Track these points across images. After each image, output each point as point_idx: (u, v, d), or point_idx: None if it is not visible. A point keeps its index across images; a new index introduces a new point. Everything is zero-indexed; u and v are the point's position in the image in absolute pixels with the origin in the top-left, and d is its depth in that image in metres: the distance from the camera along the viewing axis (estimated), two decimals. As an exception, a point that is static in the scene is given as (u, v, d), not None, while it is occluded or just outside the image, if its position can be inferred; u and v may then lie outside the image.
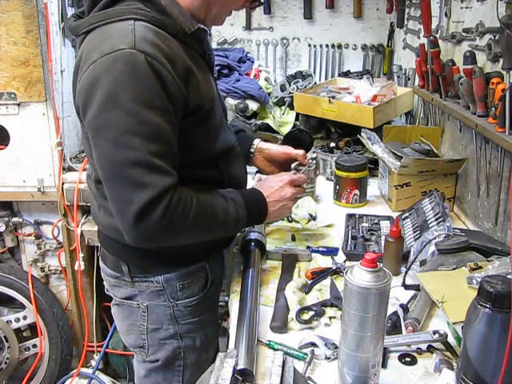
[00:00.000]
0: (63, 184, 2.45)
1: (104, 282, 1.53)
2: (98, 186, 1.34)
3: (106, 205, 1.35)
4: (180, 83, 1.18)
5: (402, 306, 1.30)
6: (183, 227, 1.23)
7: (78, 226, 2.51)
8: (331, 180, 2.16)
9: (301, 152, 1.61)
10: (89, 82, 1.14)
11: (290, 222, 1.84)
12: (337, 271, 1.52)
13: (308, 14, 3.16)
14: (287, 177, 1.52)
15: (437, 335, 1.17)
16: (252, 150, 1.65)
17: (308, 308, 1.34)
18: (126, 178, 1.14)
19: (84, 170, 2.42)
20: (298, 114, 2.78)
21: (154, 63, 1.12)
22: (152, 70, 1.12)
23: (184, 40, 1.24)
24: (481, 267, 1.29)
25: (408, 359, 1.17)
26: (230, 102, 2.79)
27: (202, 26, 1.27)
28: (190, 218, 1.22)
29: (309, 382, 1.09)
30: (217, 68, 2.73)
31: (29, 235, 2.68)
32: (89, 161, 1.38)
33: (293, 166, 1.58)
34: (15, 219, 2.62)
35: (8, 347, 2.62)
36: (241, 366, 1.07)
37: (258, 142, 1.66)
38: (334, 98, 2.53)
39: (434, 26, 2.15)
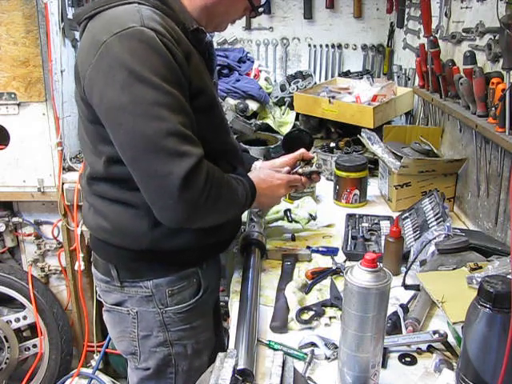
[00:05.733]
0: (63, 184, 2.45)
1: (96, 288, 1.51)
2: (90, 182, 1.33)
3: (95, 204, 1.34)
4: (185, 61, 1.18)
5: (402, 305, 1.30)
6: (220, 196, 1.23)
7: (77, 226, 2.50)
8: (331, 180, 2.15)
9: (301, 150, 1.62)
10: (105, 63, 1.12)
11: (290, 222, 1.84)
12: (337, 271, 1.52)
13: (308, 14, 3.16)
14: (286, 177, 1.52)
15: (437, 335, 1.17)
16: (252, 170, 1.62)
17: (308, 308, 1.34)
18: (160, 150, 1.12)
19: (84, 169, 2.43)
20: (298, 114, 2.79)
21: (165, 40, 1.13)
22: (164, 46, 1.12)
23: (185, 34, 1.24)
24: (481, 267, 1.29)
25: (408, 359, 1.17)
26: (230, 101, 2.79)
27: (200, 27, 1.28)
28: (223, 186, 1.23)
29: (309, 381, 1.09)
30: (217, 68, 2.73)
31: (29, 235, 2.68)
32: (85, 158, 1.36)
33: (300, 170, 1.59)
34: (15, 219, 2.62)
35: (8, 347, 2.62)
36: (241, 366, 1.07)
37: (259, 164, 1.65)
38: (333, 97, 2.53)
39: (434, 25, 2.15)
